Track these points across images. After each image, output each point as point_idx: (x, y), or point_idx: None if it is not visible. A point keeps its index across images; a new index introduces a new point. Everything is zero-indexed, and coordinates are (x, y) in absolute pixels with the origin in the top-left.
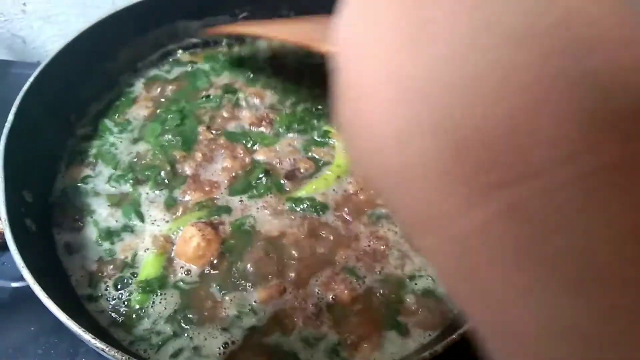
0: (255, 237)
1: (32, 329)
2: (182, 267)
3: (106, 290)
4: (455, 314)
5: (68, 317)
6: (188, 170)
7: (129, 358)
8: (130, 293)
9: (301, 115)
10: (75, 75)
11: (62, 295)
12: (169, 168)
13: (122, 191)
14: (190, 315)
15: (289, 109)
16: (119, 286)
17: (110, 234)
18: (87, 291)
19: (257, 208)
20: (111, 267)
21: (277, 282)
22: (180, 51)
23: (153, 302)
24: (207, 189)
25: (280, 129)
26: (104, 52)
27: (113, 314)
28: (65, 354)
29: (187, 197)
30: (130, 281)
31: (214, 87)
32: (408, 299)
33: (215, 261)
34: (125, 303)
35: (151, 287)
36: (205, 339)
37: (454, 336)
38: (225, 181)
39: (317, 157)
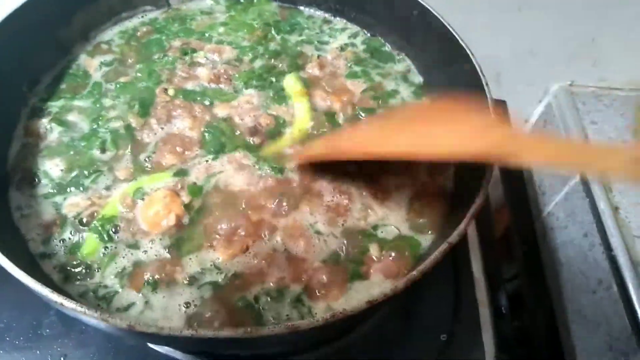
0: (219, 196)
1: None
2: (140, 229)
3: (58, 247)
4: (419, 255)
5: (25, 274)
6: (147, 137)
7: (88, 309)
8: (80, 246)
9: (259, 72)
10: (23, 46)
11: (18, 256)
12: (129, 132)
13: (79, 154)
14: (146, 274)
15: (247, 66)
16: (70, 242)
17: (64, 194)
18: (40, 249)
19: (222, 165)
20: (63, 224)
21: (239, 239)
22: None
23: (105, 256)
24: (179, 149)
25: (239, 85)
26: (54, 21)
27: (65, 270)
28: (28, 326)
29: (154, 160)
30: (80, 237)
31: (171, 49)
32: (371, 249)
33: (176, 224)
34: (76, 259)
35: (102, 242)
36: (164, 297)
37: (414, 273)
38: (196, 141)
39: (276, 114)
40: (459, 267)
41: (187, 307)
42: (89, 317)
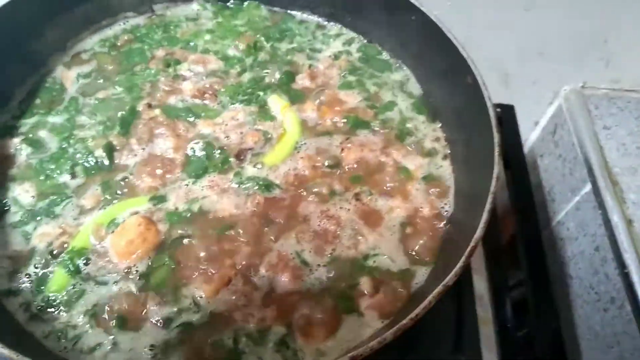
0: (200, 223)
1: None
2: (112, 262)
3: (24, 283)
4: (414, 290)
5: None
6: (124, 158)
7: None
8: (47, 283)
9: (246, 86)
10: None
11: None
12: (104, 155)
13: (50, 178)
14: (116, 312)
15: (234, 79)
16: (37, 277)
17: (32, 223)
18: (5, 286)
19: (203, 188)
20: (31, 257)
21: (221, 271)
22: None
23: (74, 292)
24: (159, 172)
25: (224, 100)
26: (26, 32)
27: (31, 308)
28: None
29: (131, 184)
30: (48, 271)
31: (154, 60)
32: (362, 282)
33: (151, 254)
34: (43, 296)
35: (71, 277)
36: (132, 339)
37: (404, 322)
38: (178, 162)
39: (263, 129)
40: (461, 284)
41: (153, 350)
42: None
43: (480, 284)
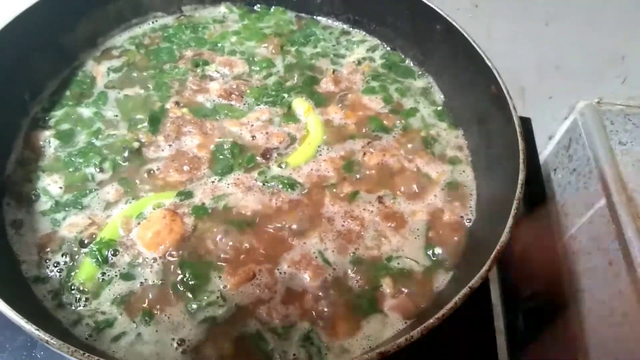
0: (225, 219)
1: None
2: (139, 253)
3: (53, 271)
4: (435, 293)
5: (8, 306)
6: (152, 154)
7: (69, 348)
8: (75, 272)
9: (271, 88)
10: (26, 52)
11: (8, 280)
12: (132, 150)
13: (79, 170)
14: (142, 303)
15: (259, 81)
16: (66, 266)
17: (61, 212)
18: (34, 272)
19: (228, 185)
20: (60, 246)
21: (245, 267)
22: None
23: (102, 282)
24: (186, 168)
25: (250, 101)
26: (59, 27)
27: (59, 296)
28: (22, 347)
29: (158, 179)
30: (76, 260)
31: (183, 59)
32: (384, 283)
33: (178, 246)
34: (71, 284)
35: (99, 267)
36: (157, 331)
37: (431, 320)
38: (204, 160)
39: (288, 131)
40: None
41: (178, 342)
42: (71, 356)
43: (494, 294)
